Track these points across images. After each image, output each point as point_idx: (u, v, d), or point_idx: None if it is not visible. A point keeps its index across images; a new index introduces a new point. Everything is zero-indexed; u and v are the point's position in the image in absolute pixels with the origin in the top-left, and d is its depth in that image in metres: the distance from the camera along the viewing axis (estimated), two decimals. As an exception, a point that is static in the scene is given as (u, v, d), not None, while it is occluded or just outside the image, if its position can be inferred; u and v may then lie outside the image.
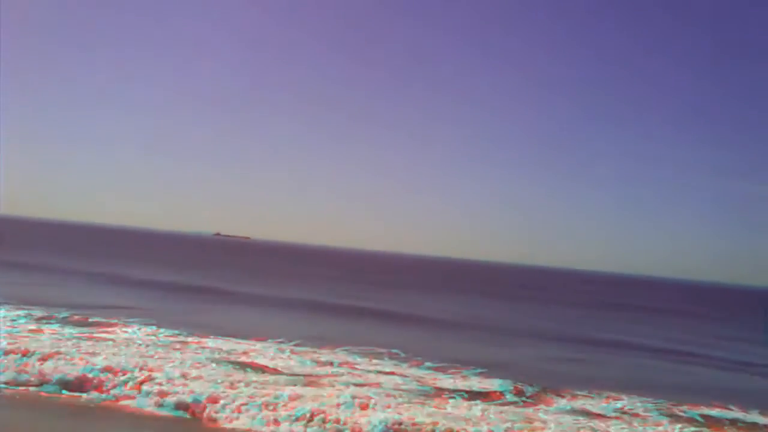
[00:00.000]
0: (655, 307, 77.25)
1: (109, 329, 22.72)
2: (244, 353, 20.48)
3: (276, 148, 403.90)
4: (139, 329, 23.24)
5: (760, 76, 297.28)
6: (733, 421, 17.55)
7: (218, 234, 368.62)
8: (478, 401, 16.89)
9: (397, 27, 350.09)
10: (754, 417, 18.29)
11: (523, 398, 17.92)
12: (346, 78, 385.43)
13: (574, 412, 16.80)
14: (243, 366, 18.45)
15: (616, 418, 16.59)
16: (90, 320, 24.18)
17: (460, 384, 18.97)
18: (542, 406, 17.11)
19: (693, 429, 16.25)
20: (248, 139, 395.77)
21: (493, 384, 19.17)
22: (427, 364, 21.72)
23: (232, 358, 19.49)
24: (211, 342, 21.88)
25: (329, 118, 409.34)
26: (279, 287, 50.00)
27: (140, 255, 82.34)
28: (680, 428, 16.09)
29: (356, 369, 19.62)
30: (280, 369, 18.58)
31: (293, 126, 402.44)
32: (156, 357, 18.28)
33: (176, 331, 23.21)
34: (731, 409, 18.90)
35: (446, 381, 19.26)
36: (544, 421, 15.32)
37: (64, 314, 24.92)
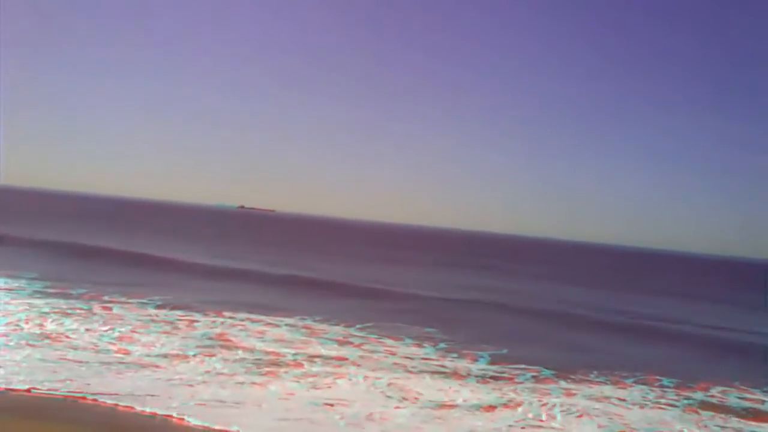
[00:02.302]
0: (676, 286, 76.09)
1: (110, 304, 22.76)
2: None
3: (300, 121, 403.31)
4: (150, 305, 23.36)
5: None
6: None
7: (242, 207, 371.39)
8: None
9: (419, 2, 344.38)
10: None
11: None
12: (366, 49, 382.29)
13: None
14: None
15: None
16: (103, 297, 24.28)
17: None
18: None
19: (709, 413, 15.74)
20: (271, 111, 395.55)
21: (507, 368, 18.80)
22: (441, 345, 21.41)
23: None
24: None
25: (352, 91, 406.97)
26: (306, 265, 49.85)
27: (165, 229, 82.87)
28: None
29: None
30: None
31: (316, 97, 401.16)
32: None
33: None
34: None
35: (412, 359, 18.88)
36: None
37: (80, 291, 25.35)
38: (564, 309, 35.00)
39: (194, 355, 16.78)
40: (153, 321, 20.83)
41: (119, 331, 18.75)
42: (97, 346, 16.78)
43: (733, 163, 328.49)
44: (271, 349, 18.17)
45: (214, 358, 16.63)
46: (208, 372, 15.33)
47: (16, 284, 25.36)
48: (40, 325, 18.42)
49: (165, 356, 16.40)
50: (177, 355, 16.61)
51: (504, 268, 69.70)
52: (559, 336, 26.62)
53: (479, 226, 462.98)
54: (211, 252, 50.16)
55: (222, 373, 15.30)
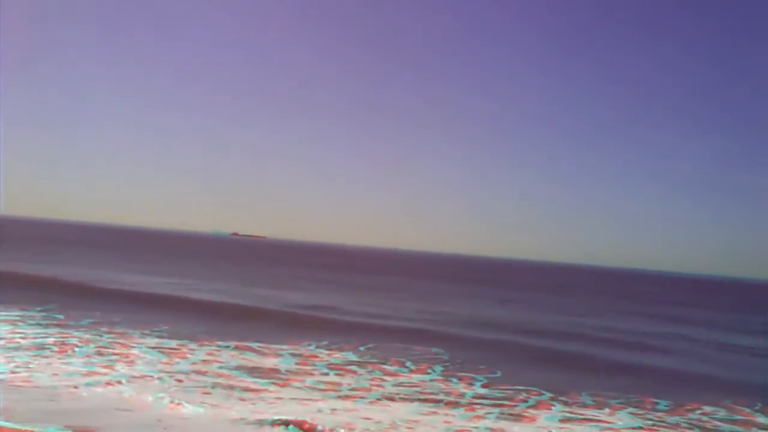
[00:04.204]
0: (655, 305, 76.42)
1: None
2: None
3: (293, 146, 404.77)
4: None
5: (763, 62, 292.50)
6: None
7: (235, 234, 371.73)
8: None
9: (412, 19, 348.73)
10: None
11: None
12: (363, 72, 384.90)
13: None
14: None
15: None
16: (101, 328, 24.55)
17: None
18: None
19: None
20: (264, 136, 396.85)
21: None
22: (437, 368, 21.77)
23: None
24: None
25: (346, 115, 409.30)
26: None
27: (168, 260, 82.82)
28: None
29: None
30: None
31: (311, 123, 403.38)
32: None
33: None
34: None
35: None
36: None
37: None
38: (553, 331, 35.33)
39: (156, 377, 17.24)
40: (144, 350, 21.01)
41: (92, 359, 19.06)
42: (58, 374, 16.90)
43: (722, 182, 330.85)
44: (242, 379, 18.24)
45: (167, 382, 16.93)
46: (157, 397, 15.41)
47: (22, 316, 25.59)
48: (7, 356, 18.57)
49: (128, 380, 16.80)
50: (138, 377, 17.07)
51: (493, 295, 70.05)
52: (549, 357, 26.96)
53: (475, 251, 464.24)
54: (219, 284, 49.70)
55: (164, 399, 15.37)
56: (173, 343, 22.66)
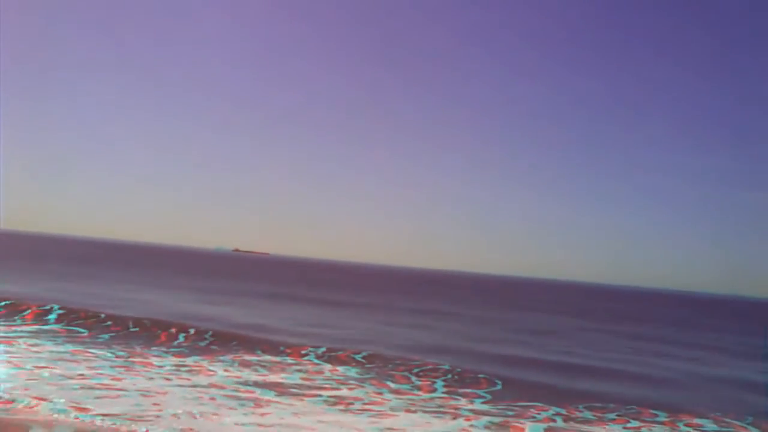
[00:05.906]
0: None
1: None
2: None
3: (297, 161, 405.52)
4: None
5: (761, 79, 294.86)
6: None
7: (237, 250, 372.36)
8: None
9: (421, 35, 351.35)
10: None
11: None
12: (368, 87, 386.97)
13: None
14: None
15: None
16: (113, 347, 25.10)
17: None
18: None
19: None
20: (268, 151, 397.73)
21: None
22: (440, 382, 22.36)
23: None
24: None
25: (351, 130, 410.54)
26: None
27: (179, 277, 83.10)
28: None
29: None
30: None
31: (315, 138, 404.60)
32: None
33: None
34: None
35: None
36: None
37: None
38: (548, 349, 35.87)
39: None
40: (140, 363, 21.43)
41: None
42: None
43: (717, 200, 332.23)
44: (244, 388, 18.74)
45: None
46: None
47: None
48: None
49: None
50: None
51: (492, 315, 70.22)
52: (546, 372, 27.39)
53: (481, 269, 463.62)
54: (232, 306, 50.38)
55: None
56: (195, 360, 23.10)
